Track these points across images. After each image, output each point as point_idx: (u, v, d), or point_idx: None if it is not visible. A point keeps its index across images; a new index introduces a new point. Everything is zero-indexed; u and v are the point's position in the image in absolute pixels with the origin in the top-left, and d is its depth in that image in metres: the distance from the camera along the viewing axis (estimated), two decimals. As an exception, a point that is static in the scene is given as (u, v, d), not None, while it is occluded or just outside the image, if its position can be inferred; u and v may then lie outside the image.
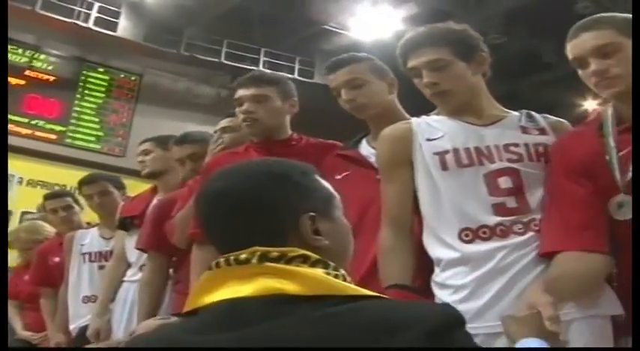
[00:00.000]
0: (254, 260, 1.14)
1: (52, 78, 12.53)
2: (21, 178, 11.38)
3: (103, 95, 13.26)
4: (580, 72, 1.94)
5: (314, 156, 2.52)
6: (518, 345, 1.45)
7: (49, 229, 4.65)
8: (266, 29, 13.38)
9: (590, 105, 14.86)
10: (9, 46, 10.01)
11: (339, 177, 2.30)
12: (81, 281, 3.96)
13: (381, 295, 1.15)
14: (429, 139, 2.04)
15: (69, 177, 11.50)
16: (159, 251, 3.19)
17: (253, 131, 2.61)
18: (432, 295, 1.98)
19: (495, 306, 1.84)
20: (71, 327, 3.90)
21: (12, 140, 8.31)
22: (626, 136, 1.84)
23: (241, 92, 2.58)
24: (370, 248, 2.09)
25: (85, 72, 13.09)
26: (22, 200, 10.14)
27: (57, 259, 4.26)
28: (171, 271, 3.28)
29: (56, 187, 11.21)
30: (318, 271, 1.14)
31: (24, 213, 9.70)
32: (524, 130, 2.05)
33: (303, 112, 2.74)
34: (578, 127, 2.10)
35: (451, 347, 1.03)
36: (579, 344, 1.76)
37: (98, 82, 13.26)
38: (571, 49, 1.93)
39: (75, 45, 12.72)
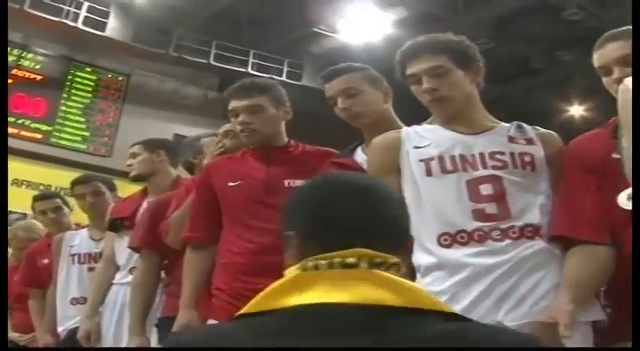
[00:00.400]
0: (363, 265, 1.10)
1: (39, 77, 12.52)
2: (6, 177, 11.31)
3: (89, 95, 13.26)
4: (604, 80, 2.06)
5: (310, 163, 2.55)
6: None
7: (44, 229, 4.64)
8: (255, 31, 13.40)
9: (576, 111, 15.00)
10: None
11: None
12: (70, 283, 3.93)
13: (459, 314, 1.13)
14: (416, 147, 2.09)
15: (54, 177, 11.48)
16: (152, 250, 3.17)
17: (251, 141, 2.61)
18: None
19: (473, 311, 1.87)
20: (60, 329, 3.87)
21: (-2, 139, 8.25)
22: None
23: (235, 103, 2.58)
24: None
25: (72, 71, 13.09)
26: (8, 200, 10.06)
27: (46, 261, 4.23)
28: (162, 273, 3.26)
29: (41, 187, 11.18)
30: (414, 283, 1.14)
31: (10, 212, 9.63)
32: (512, 139, 2.10)
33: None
34: (595, 129, 2.17)
35: None
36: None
37: (85, 81, 13.26)
38: (597, 58, 2.08)
39: (63, 44, 12.71)
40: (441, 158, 2.04)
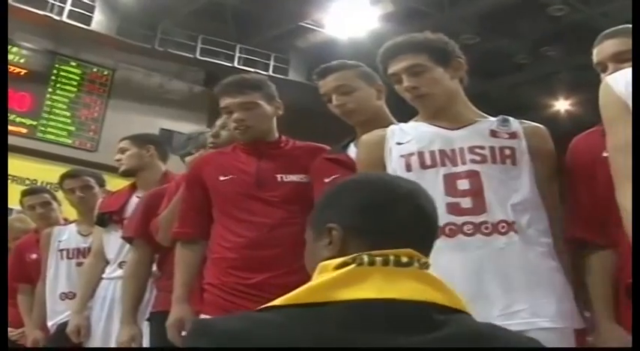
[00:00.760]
0: (415, 264, 1.16)
1: (23, 71, 12.43)
2: (-9, 171, 11.25)
3: (75, 89, 13.19)
4: (602, 76, 2.05)
5: (301, 158, 2.58)
6: None
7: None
8: (241, 25, 13.38)
9: (562, 105, 15.08)
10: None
11: (327, 180, 2.33)
12: (58, 278, 3.93)
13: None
14: (398, 143, 2.11)
15: (40, 171, 11.42)
16: (145, 241, 3.17)
17: (246, 137, 2.62)
18: None
19: None
20: (49, 324, 3.87)
21: (-17, 134, 8.21)
22: None
23: (228, 101, 2.58)
24: None
25: (57, 65, 13.00)
26: (-7, 194, 10.03)
27: (34, 256, 4.22)
28: (153, 267, 3.27)
29: (27, 182, 11.12)
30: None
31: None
32: (494, 133, 2.10)
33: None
34: (594, 127, 2.15)
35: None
36: None
37: (70, 75, 13.18)
38: (595, 55, 2.13)
39: (47, 38, 12.63)
40: (420, 154, 2.05)
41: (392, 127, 2.22)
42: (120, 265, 3.48)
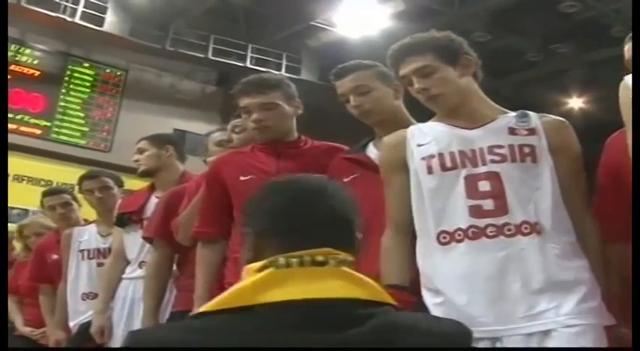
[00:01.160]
0: (332, 262, 1.18)
1: (37, 72, 12.50)
2: (7, 172, 11.32)
3: (88, 90, 13.25)
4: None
5: (320, 158, 2.58)
6: None
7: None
8: (253, 25, 13.39)
9: (575, 103, 15.00)
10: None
11: (346, 179, 2.34)
12: (79, 278, 3.96)
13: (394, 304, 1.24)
14: (419, 145, 2.10)
15: (54, 172, 11.49)
16: (166, 241, 3.18)
17: (265, 137, 2.63)
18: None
19: (470, 309, 1.88)
20: (71, 324, 3.91)
21: (-2, 135, 8.27)
22: None
23: (248, 101, 2.58)
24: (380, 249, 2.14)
25: (70, 67, 13.06)
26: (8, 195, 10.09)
27: (55, 256, 4.26)
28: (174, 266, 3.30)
29: (42, 182, 11.19)
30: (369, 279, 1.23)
31: (10, 208, 9.67)
32: (512, 131, 2.07)
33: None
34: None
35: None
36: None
37: (83, 76, 13.25)
38: (625, 53, 2.16)
39: (60, 39, 12.69)
40: (440, 155, 2.04)
41: (411, 128, 2.20)
42: (140, 265, 3.51)
